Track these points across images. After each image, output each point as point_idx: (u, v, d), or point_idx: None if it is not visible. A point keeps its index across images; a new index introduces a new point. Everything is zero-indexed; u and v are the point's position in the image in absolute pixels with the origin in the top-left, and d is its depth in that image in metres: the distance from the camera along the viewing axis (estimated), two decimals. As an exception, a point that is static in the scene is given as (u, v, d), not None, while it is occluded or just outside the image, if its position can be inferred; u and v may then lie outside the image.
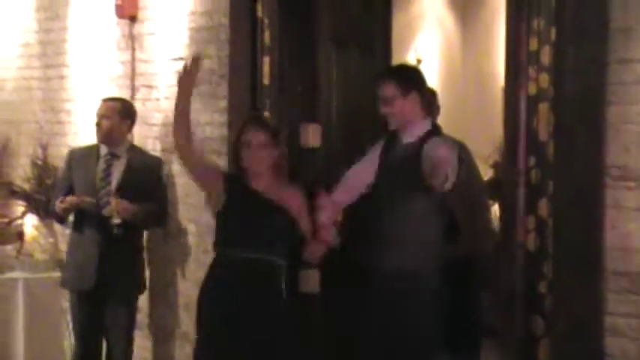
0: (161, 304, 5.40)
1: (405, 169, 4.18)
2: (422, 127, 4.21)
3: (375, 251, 4.13)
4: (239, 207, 4.13)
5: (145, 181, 5.03)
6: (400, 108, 4.26)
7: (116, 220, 4.89)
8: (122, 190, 4.99)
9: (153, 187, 5.03)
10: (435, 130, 4.25)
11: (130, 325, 5.01)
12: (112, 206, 4.93)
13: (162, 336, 5.33)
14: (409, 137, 4.18)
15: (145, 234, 5.22)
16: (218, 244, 4.14)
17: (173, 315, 5.23)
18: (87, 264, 4.95)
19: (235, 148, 4.21)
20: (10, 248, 6.53)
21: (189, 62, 4.03)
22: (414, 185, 4.07)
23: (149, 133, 5.62)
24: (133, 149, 5.24)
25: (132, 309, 5.04)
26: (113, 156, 5.12)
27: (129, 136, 5.36)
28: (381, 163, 4.28)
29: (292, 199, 4.20)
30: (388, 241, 4.08)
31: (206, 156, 4.34)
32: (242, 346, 3.98)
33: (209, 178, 4.18)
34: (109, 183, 5.10)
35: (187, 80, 4.05)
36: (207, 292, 4.12)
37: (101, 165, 5.12)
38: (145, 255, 5.22)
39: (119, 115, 5.12)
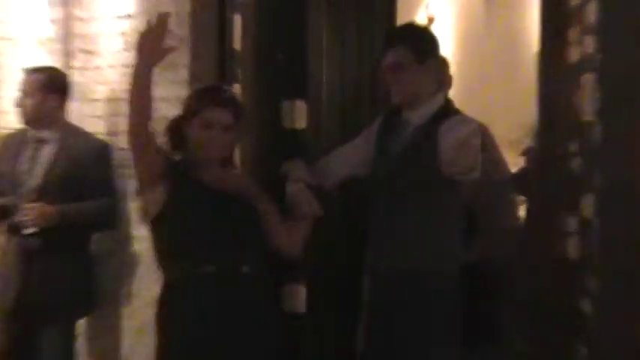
0: (105, 327, 5.47)
1: (417, 156, 4.34)
2: (433, 104, 4.38)
3: (380, 252, 4.28)
4: (195, 208, 4.08)
5: (84, 171, 5.08)
6: (414, 78, 4.36)
7: (28, 230, 4.93)
8: (48, 186, 5.04)
9: (96, 179, 5.08)
10: (449, 107, 4.33)
11: (68, 352, 5.10)
12: (22, 213, 4.97)
13: (107, 367, 5.44)
14: (418, 116, 4.33)
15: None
16: (174, 258, 4.06)
17: (120, 341, 5.32)
18: (8, 278, 5.05)
19: (180, 126, 4.13)
20: None
21: (153, 20, 4.03)
22: (428, 175, 4.26)
23: (89, 111, 5.73)
24: (68, 131, 5.33)
25: (70, 333, 5.12)
26: (41, 142, 5.23)
27: (62, 115, 5.36)
28: (381, 149, 4.37)
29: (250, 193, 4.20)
30: (396, 240, 4.25)
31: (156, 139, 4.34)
32: None
33: (157, 167, 4.09)
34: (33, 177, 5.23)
35: (150, 44, 4.02)
36: (173, 323, 4.02)
37: (28, 154, 5.24)
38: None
39: (44, 89, 5.22)
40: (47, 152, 5.23)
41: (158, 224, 4.06)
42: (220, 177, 4.13)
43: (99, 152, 5.20)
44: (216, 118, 4.09)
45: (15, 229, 4.94)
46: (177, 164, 4.14)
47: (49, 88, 5.23)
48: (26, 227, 4.92)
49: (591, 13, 4.18)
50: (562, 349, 4.14)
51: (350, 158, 4.56)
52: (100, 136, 5.59)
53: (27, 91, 5.28)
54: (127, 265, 5.32)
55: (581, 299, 4.01)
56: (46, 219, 4.92)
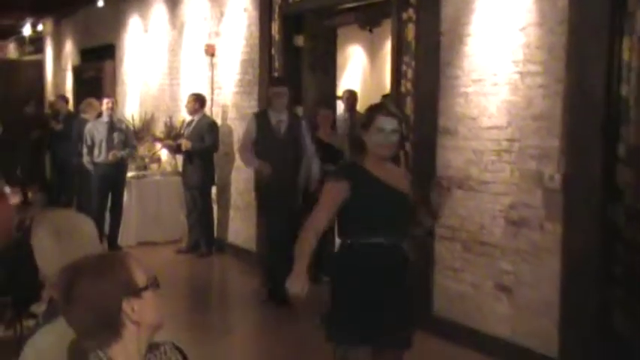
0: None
1: (296, 138, 6.36)
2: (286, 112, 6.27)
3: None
4: (372, 199, 3.91)
5: None
6: (288, 99, 6.43)
7: None
8: None
9: None
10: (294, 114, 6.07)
11: None
12: None
13: None
14: (286, 117, 6.29)
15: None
16: (355, 234, 3.92)
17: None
18: None
19: (360, 134, 3.86)
20: (154, 166, 10.69)
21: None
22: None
23: (218, 113, 9.14)
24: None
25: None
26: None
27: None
28: (271, 131, 6.23)
29: (405, 180, 4.05)
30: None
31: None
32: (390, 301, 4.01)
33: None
34: None
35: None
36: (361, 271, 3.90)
37: None
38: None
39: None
40: None
41: (351, 210, 3.93)
42: (387, 171, 3.91)
43: None
44: (385, 124, 3.78)
45: None
46: (353, 168, 3.94)
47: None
48: None
49: (409, 73, 5.57)
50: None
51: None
52: (228, 121, 8.22)
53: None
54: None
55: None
56: None
